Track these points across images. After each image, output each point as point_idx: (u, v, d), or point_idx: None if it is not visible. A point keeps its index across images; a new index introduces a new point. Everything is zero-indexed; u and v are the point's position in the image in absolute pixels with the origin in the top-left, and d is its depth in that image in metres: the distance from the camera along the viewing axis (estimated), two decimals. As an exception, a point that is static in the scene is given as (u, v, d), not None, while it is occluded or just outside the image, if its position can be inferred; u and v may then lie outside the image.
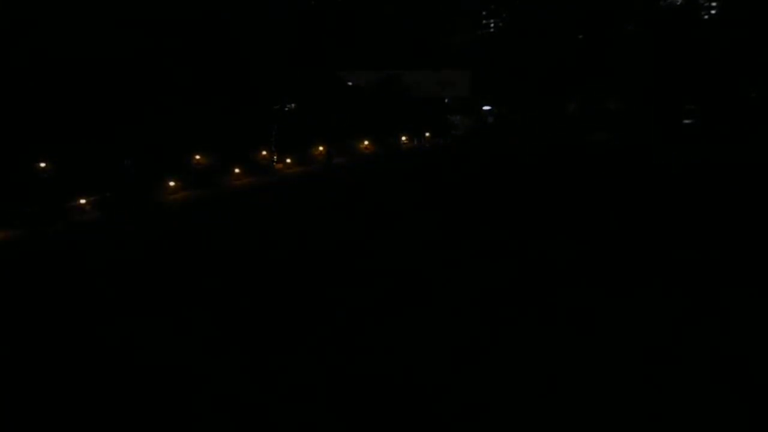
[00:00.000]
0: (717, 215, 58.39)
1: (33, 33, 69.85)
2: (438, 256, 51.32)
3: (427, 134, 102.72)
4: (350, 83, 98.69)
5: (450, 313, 40.75)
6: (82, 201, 65.96)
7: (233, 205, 71.63)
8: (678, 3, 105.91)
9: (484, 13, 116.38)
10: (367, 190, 76.26)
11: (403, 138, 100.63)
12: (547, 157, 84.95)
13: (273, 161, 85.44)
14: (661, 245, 51.18)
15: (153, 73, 76.18)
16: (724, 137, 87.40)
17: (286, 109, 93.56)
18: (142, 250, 55.17)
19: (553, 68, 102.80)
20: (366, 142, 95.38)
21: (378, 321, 40.11)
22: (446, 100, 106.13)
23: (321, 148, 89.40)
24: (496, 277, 46.38)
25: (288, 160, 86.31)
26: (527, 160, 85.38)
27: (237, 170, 79.44)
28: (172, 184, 72.98)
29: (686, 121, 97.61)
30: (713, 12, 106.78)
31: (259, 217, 65.76)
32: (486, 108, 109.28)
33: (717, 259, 47.52)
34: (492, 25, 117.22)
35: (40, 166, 68.48)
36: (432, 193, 72.82)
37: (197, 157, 79.07)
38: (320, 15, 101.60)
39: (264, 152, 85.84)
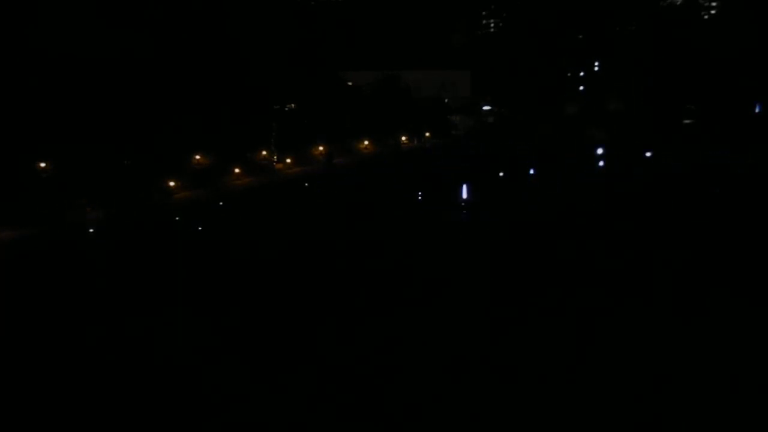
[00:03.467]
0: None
1: (33, 32, 69.78)
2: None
3: (427, 134, 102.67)
4: (350, 83, 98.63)
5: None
6: (82, 201, 65.84)
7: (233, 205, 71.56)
8: (678, 3, 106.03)
9: (484, 13, 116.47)
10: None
11: (403, 138, 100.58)
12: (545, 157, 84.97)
13: (273, 161, 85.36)
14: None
15: (153, 73, 76.12)
16: (723, 137, 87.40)
17: (286, 109, 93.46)
18: (141, 250, 55.12)
19: (552, 68, 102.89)
20: (366, 142, 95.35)
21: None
22: (446, 100, 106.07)
23: (321, 148, 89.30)
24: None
25: (288, 161, 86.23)
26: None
27: (237, 170, 79.37)
28: (171, 184, 72.91)
29: (686, 121, 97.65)
30: (713, 12, 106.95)
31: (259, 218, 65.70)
32: (486, 108, 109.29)
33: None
34: (492, 25, 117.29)
35: (39, 166, 68.46)
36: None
37: (197, 157, 79.01)
38: (321, 15, 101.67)
39: (264, 152, 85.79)
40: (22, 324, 41.55)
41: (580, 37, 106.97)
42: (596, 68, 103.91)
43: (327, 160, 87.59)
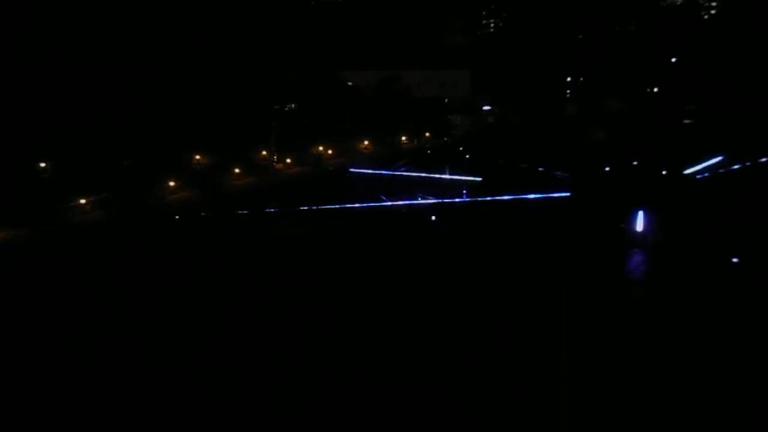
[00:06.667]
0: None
1: (33, 32, 69.82)
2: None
3: (427, 134, 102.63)
4: (350, 83, 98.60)
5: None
6: (82, 201, 65.93)
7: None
8: (678, 3, 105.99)
9: (484, 13, 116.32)
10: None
11: (403, 138, 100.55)
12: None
13: (273, 161, 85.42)
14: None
15: (153, 72, 76.16)
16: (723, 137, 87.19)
17: (286, 109, 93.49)
18: (141, 251, 55.24)
19: (552, 68, 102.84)
20: (366, 142, 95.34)
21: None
22: (446, 100, 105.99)
23: (321, 148, 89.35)
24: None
25: (288, 160, 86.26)
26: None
27: (237, 170, 79.42)
28: (172, 184, 72.97)
29: (686, 121, 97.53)
30: (713, 12, 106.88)
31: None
32: (486, 108, 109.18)
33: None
34: (492, 25, 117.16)
35: (40, 166, 68.49)
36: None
37: (197, 157, 79.03)
38: (321, 15, 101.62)
39: (264, 152, 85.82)
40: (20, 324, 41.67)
41: (580, 37, 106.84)
42: (596, 69, 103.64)
43: (316, 161, 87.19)
